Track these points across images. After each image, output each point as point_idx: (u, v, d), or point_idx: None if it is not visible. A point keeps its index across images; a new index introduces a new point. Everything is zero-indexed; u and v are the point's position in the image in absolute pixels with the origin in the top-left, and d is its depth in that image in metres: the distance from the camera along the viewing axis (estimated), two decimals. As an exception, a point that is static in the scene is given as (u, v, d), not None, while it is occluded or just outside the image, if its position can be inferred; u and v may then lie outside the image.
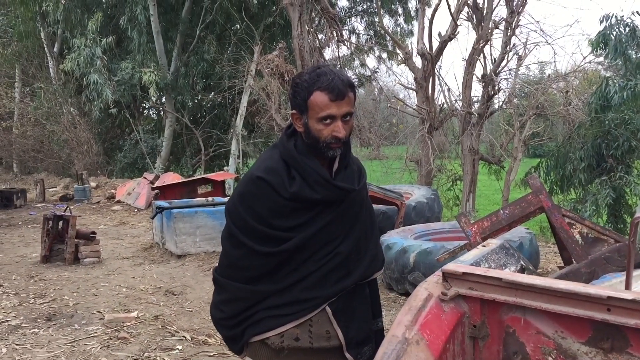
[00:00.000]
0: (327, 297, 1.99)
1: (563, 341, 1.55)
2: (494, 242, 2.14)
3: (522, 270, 2.01)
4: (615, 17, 10.05)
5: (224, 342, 2.18)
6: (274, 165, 1.99)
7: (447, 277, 1.69)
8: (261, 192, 1.96)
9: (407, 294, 5.74)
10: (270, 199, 1.96)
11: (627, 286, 2.24)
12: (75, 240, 7.42)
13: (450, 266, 1.71)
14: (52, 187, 16.42)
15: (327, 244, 1.99)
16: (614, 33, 10.03)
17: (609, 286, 2.88)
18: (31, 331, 4.88)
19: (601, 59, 12.33)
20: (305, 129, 1.96)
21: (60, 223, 7.51)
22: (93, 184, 15.18)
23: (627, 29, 9.99)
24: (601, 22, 10.20)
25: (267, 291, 1.99)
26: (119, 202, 13.49)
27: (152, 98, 16.99)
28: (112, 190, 14.53)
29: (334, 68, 2.02)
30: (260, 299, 2.00)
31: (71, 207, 8.76)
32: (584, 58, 12.82)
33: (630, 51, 10.14)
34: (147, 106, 21.04)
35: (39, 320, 5.18)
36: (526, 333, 1.61)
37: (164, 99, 18.72)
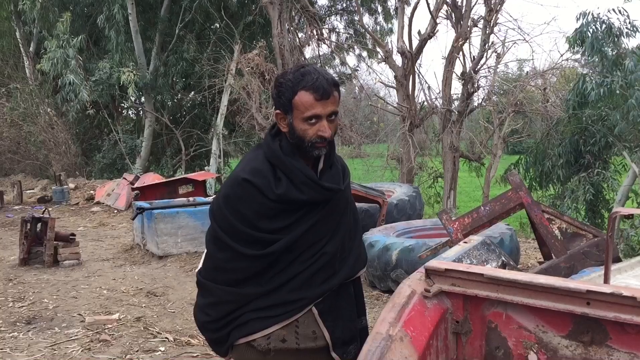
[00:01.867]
0: (314, 297, 1.98)
1: (544, 335, 1.57)
2: (475, 239, 2.16)
3: (504, 266, 2.04)
4: (592, 14, 10.18)
5: (209, 345, 2.16)
6: (259, 166, 1.96)
7: (430, 273, 1.70)
8: (247, 194, 1.94)
9: (389, 292, 5.76)
10: (256, 201, 1.93)
11: (606, 280, 2.28)
12: (54, 242, 7.32)
13: (433, 263, 1.72)
14: (30, 189, 16.17)
15: (313, 245, 1.98)
16: (591, 30, 10.15)
17: (588, 280, 2.92)
18: (10, 335, 4.82)
19: (578, 56, 12.50)
20: (289, 129, 1.94)
21: (39, 225, 7.40)
22: (71, 185, 14.97)
23: (604, 26, 10.12)
24: (578, 19, 10.33)
25: (254, 293, 1.97)
26: (98, 203, 13.34)
27: (131, 98, 16.84)
28: (91, 192, 14.35)
29: (318, 67, 2.00)
30: (247, 301, 1.98)
31: (49, 208, 8.64)
32: (561, 55, 13.05)
33: (606, 48, 10.28)
34: (126, 106, 20.83)
35: (18, 323, 5.11)
36: (508, 328, 1.63)
37: (143, 99, 18.55)
